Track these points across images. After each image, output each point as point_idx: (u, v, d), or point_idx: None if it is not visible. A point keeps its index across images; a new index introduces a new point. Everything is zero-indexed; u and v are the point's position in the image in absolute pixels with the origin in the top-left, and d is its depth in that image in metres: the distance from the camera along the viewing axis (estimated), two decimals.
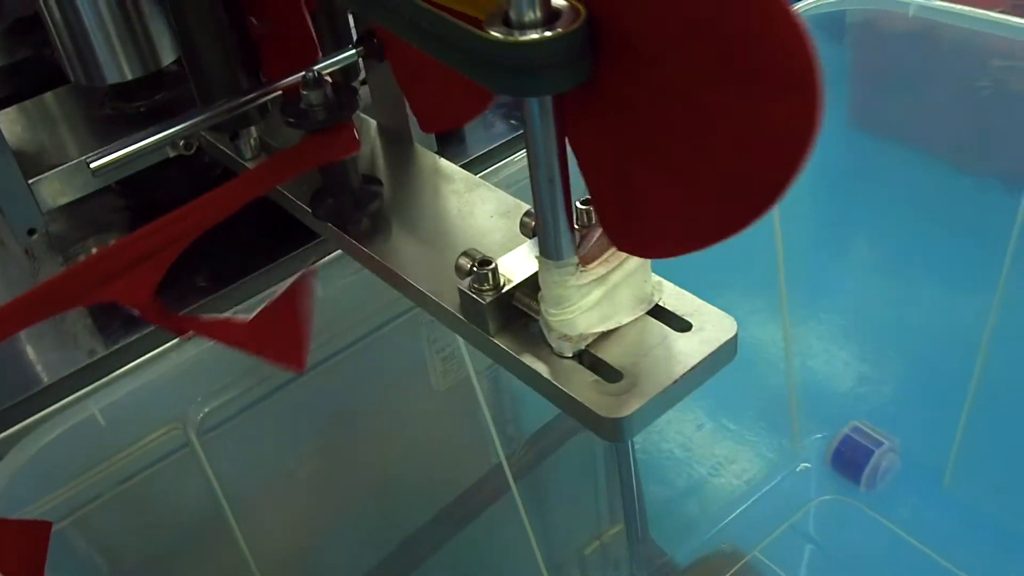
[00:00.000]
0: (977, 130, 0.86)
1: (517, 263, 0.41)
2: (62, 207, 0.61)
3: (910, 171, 0.92)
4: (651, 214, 0.34)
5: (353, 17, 0.56)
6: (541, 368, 0.39)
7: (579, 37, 0.30)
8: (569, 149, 0.34)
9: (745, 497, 0.98)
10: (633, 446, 0.82)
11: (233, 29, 0.50)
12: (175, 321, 0.50)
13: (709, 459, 1.01)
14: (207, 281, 0.60)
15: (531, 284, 0.40)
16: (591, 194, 0.36)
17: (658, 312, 0.40)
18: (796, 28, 0.26)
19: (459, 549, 0.78)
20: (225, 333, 0.50)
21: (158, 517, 0.58)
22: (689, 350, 0.38)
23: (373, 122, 0.57)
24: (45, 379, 0.54)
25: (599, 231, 0.39)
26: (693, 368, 0.38)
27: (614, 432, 0.37)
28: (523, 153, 0.67)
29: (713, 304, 0.40)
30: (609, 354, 0.39)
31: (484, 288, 0.40)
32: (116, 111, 0.65)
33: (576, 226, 0.38)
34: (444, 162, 0.53)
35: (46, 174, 0.58)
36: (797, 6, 0.70)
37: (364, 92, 0.56)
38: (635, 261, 0.38)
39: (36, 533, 0.45)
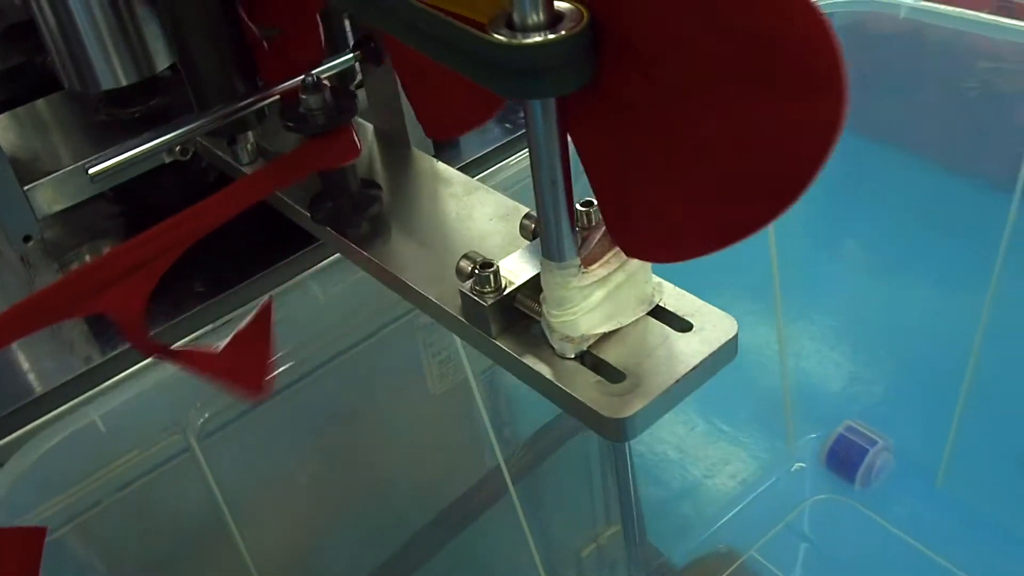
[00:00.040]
0: (965, 131, 0.87)
1: (518, 265, 0.41)
2: (56, 214, 0.61)
3: (900, 173, 0.92)
4: (656, 217, 0.34)
5: (350, 21, 0.56)
6: (544, 369, 0.39)
7: (582, 39, 0.30)
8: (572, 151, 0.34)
9: (740, 497, 0.98)
10: (630, 448, 0.82)
11: (229, 34, 0.50)
12: (149, 343, 0.49)
13: (704, 460, 1.02)
14: (204, 286, 0.60)
15: (532, 286, 0.40)
16: (596, 196, 0.36)
17: (659, 313, 0.40)
18: (820, 23, 0.25)
19: (457, 552, 0.78)
20: (193, 361, 0.48)
21: (158, 522, 0.58)
22: (691, 350, 0.39)
23: (370, 126, 0.57)
24: (41, 387, 0.54)
25: (600, 232, 0.39)
26: (695, 368, 0.38)
27: (618, 432, 0.37)
28: (518, 156, 0.68)
29: None
30: (611, 355, 0.39)
31: (486, 290, 0.40)
32: (111, 117, 0.65)
33: (576, 228, 0.38)
34: (442, 166, 0.53)
35: (41, 180, 0.58)
36: None
37: (360, 95, 0.57)
38: (636, 262, 0.39)
39: (30, 540, 0.45)
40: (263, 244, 0.61)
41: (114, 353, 0.55)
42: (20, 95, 0.69)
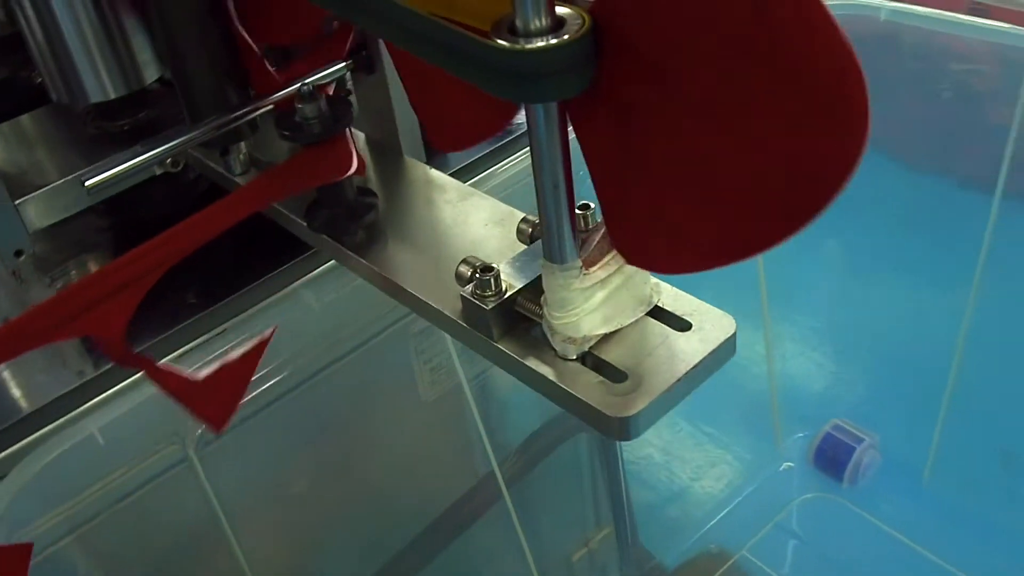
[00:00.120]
0: (941, 132, 0.89)
1: (516, 269, 0.42)
2: (46, 228, 0.61)
3: (879, 174, 0.93)
4: (655, 224, 0.34)
5: None
6: (546, 371, 0.39)
7: (584, 44, 0.30)
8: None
9: (730, 498, 0.99)
10: (622, 451, 0.83)
11: (221, 44, 0.50)
12: (131, 356, 0.49)
13: (691, 463, 1.02)
14: (197, 298, 0.60)
15: (532, 289, 0.41)
16: (599, 197, 0.36)
17: (658, 313, 0.41)
18: (852, 60, 0.24)
19: (451, 559, 0.78)
20: (167, 382, 0.47)
21: (158, 533, 0.58)
22: (690, 349, 0.39)
23: (361, 135, 0.58)
24: (36, 402, 0.53)
25: (599, 235, 0.39)
26: (695, 366, 0.38)
27: (622, 431, 0.37)
28: (507, 163, 0.68)
29: None
30: (612, 355, 0.39)
31: (487, 294, 0.40)
32: (99, 130, 0.65)
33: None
34: (435, 172, 0.53)
35: (32, 194, 0.58)
36: None
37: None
38: None
39: (17, 557, 0.44)
40: (255, 254, 0.61)
41: (107, 367, 0.55)
42: (6, 110, 0.69)
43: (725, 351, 0.40)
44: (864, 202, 0.95)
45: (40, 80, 0.59)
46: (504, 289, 0.40)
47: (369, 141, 0.57)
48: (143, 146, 0.50)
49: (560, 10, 0.31)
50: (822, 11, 0.25)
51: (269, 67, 0.50)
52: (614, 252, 0.38)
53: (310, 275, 0.61)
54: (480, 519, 0.79)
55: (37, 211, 0.58)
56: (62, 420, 0.51)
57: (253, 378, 0.56)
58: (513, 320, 0.41)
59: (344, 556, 0.73)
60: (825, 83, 0.25)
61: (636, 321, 0.40)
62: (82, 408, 0.52)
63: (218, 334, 0.58)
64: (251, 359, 0.47)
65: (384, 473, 0.74)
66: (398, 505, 0.76)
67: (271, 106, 0.50)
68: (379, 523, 0.75)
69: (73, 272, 0.64)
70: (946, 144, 0.89)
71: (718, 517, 0.97)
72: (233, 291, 0.60)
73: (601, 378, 0.38)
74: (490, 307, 0.40)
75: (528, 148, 0.69)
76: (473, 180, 0.67)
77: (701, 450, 1.03)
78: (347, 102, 0.46)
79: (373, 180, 0.54)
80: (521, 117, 0.36)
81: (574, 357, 0.39)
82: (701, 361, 0.39)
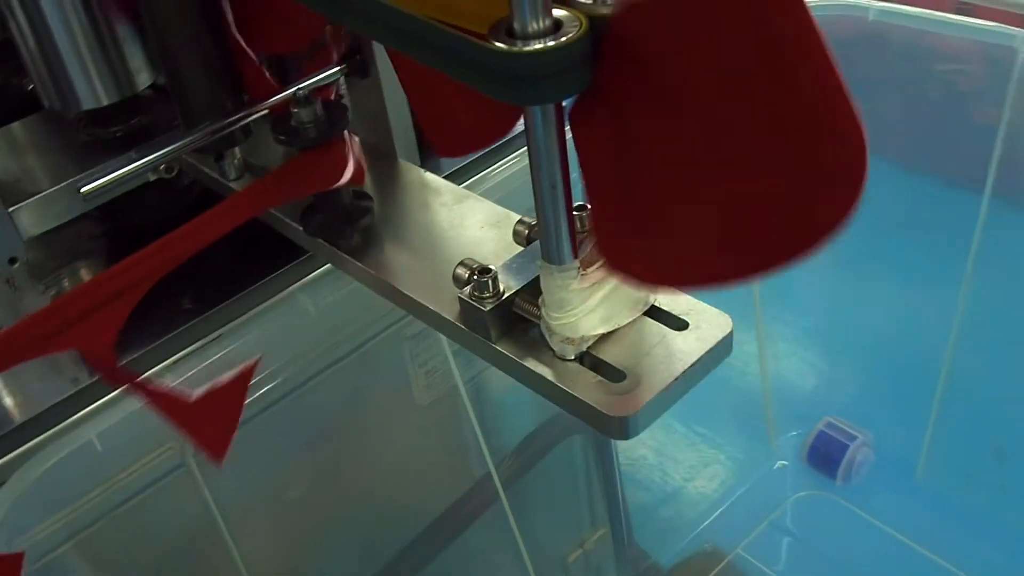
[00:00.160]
0: (929, 131, 0.89)
1: (513, 270, 0.42)
2: (39, 235, 0.61)
3: (869, 175, 0.94)
4: (644, 237, 0.34)
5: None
6: (545, 372, 0.39)
7: (582, 46, 0.31)
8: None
9: (725, 497, 0.99)
10: (617, 452, 0.83)
11: (216, 49, 0.50)
12: (119, 373, 0.49)
13: (684, 463, 1.03)
14: (192, 303, 0.60)
15: (530, 290, 0.41)
16: (589, 200, 0.37)
17: (655, 312, 0.41)
18: (858, 126, 0.25)
19: (448, 562, 0.78)
20: (161, 402, 0.47)
21: (156, 538, 0.58)
22: (688, 348, 0.39)
23: (356, 138, 0.58)
24: (32, 410, 0.53)
25: None
26: (693, 365, 0.39)
27: (621, 430, 0.37)
28: (502, 166, 0.68)
29: None
30: (610, 355, 0.40)
31: (485, 296, 0.41)
32: (92, 137, 0.65)
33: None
34: (430, 176, 0.54)
35: (26, 202, 0.57)
36: None
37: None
38: None
39: (8, 566, 0.44)
40: (250, 258, 0.61)
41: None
42: None
43: (722, 349, 0.40)
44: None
45: (32, 87, 0.59)
46: (502, 291, 0.41)
47: (363, 145, 0.57)
48: (137, 152, 0.50)
49: (557, 12, 0.31)
50: (829, 64, 0.26)
51: (264, 71, 0.50)
52: None
53: (305, 279, 0.61)
54: (476, 521, 0.79)
55: (31, 218, 0.58)
56: (60, 427, 0.51)
57: (251, 382, 0.56)
58: (511, 321, 0.41)
59: (342, 560, 0.73)
60: (831, 147, 0.26)
61: (633, 321, 0.41)
62: (80, 415, 0.52)
63: (213, 340, 0.58)
64: (239, 385, 0.47)
65: (381, 477, 0.74)
66: (395, 508, 0.76)
67: (265, 111, 0.50)
68: (377, 526, 0.75)
69: (66, 281, 0.64)
70: (934, 144, 0.89)
71: (713, 516, 0.98)
72: (228, 296, 0.60)
73: (600, 378, 0.39)
74: (488, 309, 0.40)
75: (521, 150, 0.70)
76: (467, 183, 0.68)
77: (695, 450, 1.03)
78: (343, 106, 0.46)
79: (368, 184, 0.54)
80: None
81: (572, 357, 0.40)
82: (699, 359, 0.39)
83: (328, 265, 0.60)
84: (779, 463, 1.02)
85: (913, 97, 0.87)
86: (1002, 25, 0.74)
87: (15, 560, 0.45)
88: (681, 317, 0.41)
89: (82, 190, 0.45)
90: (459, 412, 0.75)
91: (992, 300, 0.85)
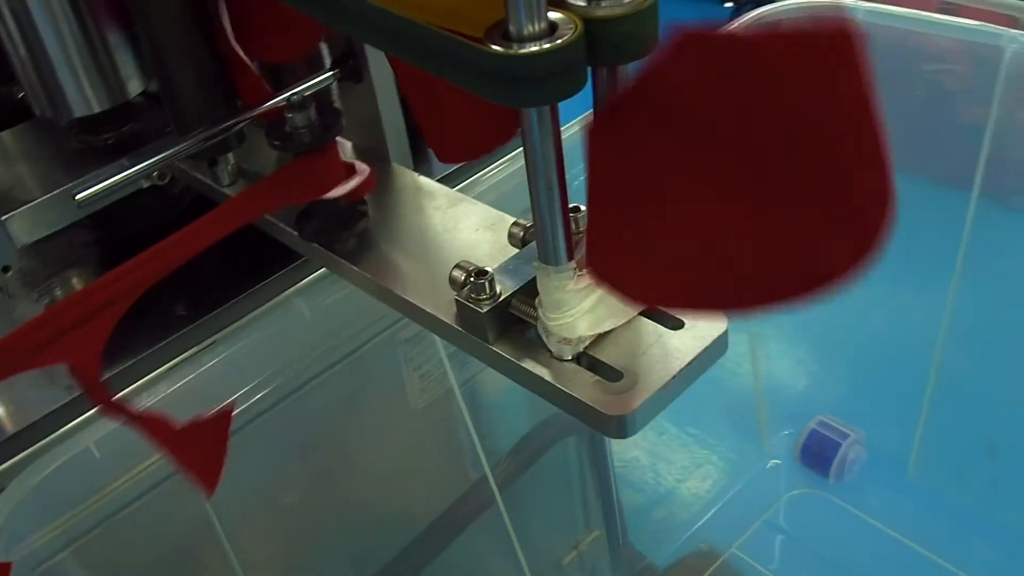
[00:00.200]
0: (914, 131, 0.90)
1: (509, 272, 0.42)
2: (31, 243, 0.61)
3: None
4: (639, 254, 0.34)
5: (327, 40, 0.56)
6: (543, 372, 0.40)
7: (577, 48, 0.31)
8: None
9: (719, 497, 0.99)
10: (611, 452, 0.83)
11: (209, 55, 0.51)
12: (106, 397, 0.47)
13: (677, 464, 1.03)
14: (186, 309, 0.60)
15: (526, 291, 0.41)
16: (589, 215, 0.35)
17: (651, 312, 0.41)
18: (890, 189, 0.26)
19: (443, 565, 0.78)
20: (151, 428, 0.47)
21: (154, 544, 0.58)
22: (684, 346, 0.40)
23: (348, 143, 0.58)
24: (28, 417, 0.53)
25: None
26: (689, 363, 0.39)
27: (620, 429, 0.38)
28: (494, 169, 0.68)
29: None
30: (607, 355, 0.40)
31: (481, 298, 0.41)
32: (83, 144, 0.65)
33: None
34: (424, 179, 0.54)
35: (19, 210, 0.57)
36: (752, 13, 0.72)
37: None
38: None
39: None
40: (244, 263, 0.61)
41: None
42: None
43: (717, 348, 0.40)
44: None
45: (22, 95, 0.59)
46: (498, 292, 0.41)
47: (357, 149, 0.58)
48: (130, 159, 0.50)
49: (552, 15, 0.31)
50: (878, 138, 0.27)
51: (261, 77, 0.50)
52: None
53: (300, 284, 0.61)
54: (472, 525, 0.80)
55: (24, 227, 0.58)
56: (58, 434, 0.51)
57: (246, 388, 0.56)
58: (508, 323, 0.42)
59: (340, 564, 0.73)
60: (863, 204, 0.27)
61: (630, 320, 0.41)
62: (77, 422, 0.52)
63: (208, 346, 0.58)
64: (222, 421, 0.47)
65: (377, 481, 0.74)
66: (391, 512, 0.76)
67: (259, 116, 0.50)
68: (373, 530, 0.75)
69: (58, 290, 0.64)
70: (923, 143, 0.90)
71: (707, 516, 0.98)
72: (223, 302, 0.60)
73: (597, 377, 0.39)
74: (485, 310, 0.41)
75: (512, 154, 0.70)
76: (460, 186, 0.68)
77: (688, 451, 1.04)
78: (336, 111, 0.47)
79: None
80: None
81: (569, 358, 0.40)
82: (695, 358, 0.39)
83: (323, 269, 0.60)
84: (772, 462, 1.02)
85: (901, 97, 0.88)
86: (989, 24, 0.75)
87: (3, 569, 0.45)
88: (677, 316, 0.41)
89: (77, 197, 0.46)
90: (454, 415, 0.76)
91: (981, 298, 0.86)
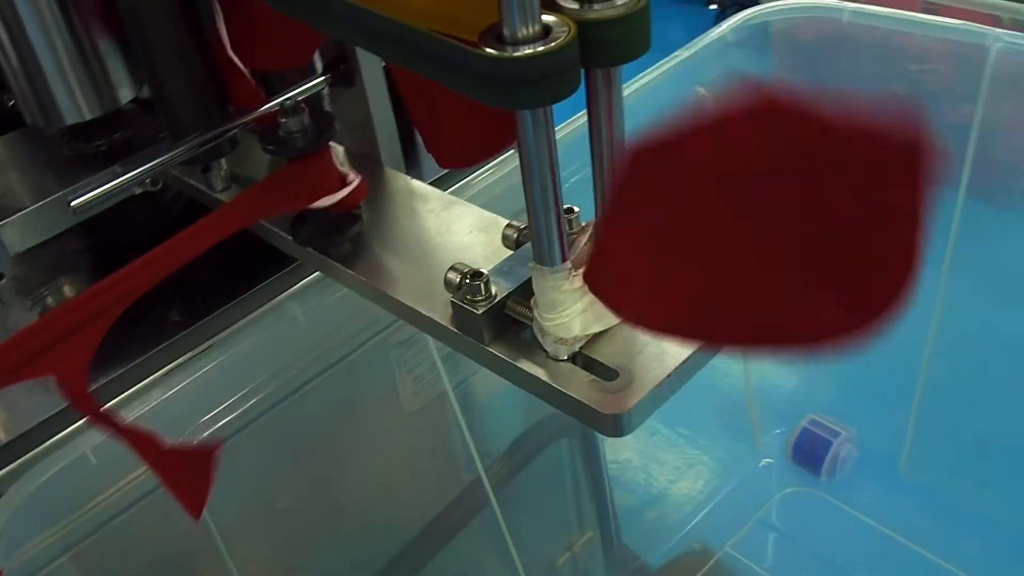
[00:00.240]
0: None
1: (504, 273, 0.42)
2: (24, 251, 0.61)
3: None
4: (644, 279, 0.33)
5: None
6: (539, 372, 0.40)
7: (571, 51, 0.31)
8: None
9: (711, 497, 1.00)
10: (605, 453, 0.84)
11: (201, 61, 0.51)
12: (95, 409, 0.47)
13: (669, 464, 1.03)
14: (180, 315, 0.60)
15: (521, 292, 0.41)
16: (600, 232, 0.35)
17: None
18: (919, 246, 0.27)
19: (439, 568, 0.79)
20: (139, 444, 0.46)
21: (152, 549, 0.58)
22: (678, 345, 0.40)
23: (341, 148, 0.58)
24: (23, 425, 0.53)
25: (585, 236, 0.40)
26: (685, 362, 0.40)
27: (616, 427, 0.38)
28: (486, 172, 0.69)
29: None
30: (602, 354, 0.40)
31: (477, 299, 0.41)
32: (75, 152, 0.65)
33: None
34: (417, 183, 0.54)
35: (11, 218, 0.57)
36: (737, 17, 0.72)
37: None
38: None
39: None
40: (238, 268, 0.62)
41: (92, 388, 0.55)
42: None
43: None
44: None
45: (13, 103, 0.59)
46: (494, 293, 0.41)
47: (349, 153, 0.58)
48: (123, 166, 0.51)
49: (546, 18, 0.32)
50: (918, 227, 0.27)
51: (255, 83, 0.51)
52: None
53: (294, 288, 0.61)
54: (466, 527, 0.80)
55: (17, 235, 0.58)
56: (54, 440, 0.51)
57: (240, 393, 0.56)
58: (503, 324, 0.42)
59: (336, 567, 0.73)
60: (896, 257, 0.28)
61: None
62: (73, 427, 0.52)
63: (203, 351, 0.58)
64: (206, 454, 0.48)
65: (371, 484, 0.75)
66: (386, 515, 0.76)
67: (250, 122, 0.50)
68: (368, 533, 0.75)
69: (49, 298, 0.64)
70: None
71: (700, 515, 0.99)
72: (217, 307, 0.60)
73: (593, 377, 0.39)
74: (481, 312, 0.41)
75: (503, 157, 0.70)
76: (451, 189, 0.68)
77: (680, 452, 1.04)
78: (330, 116, 0.47)
79: None
80: None
81: (565, 357, 0.40)
82: (690, 356, 0.40)
83: (316, 273, 0.60)
84: (764, 461, 1.03)
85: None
86: (973, 24, 0.75)
87: None
88: None
89: (72, 204, 0.46)
90: (447, 418, 0.76)
91: (969, 296, 0.86)
